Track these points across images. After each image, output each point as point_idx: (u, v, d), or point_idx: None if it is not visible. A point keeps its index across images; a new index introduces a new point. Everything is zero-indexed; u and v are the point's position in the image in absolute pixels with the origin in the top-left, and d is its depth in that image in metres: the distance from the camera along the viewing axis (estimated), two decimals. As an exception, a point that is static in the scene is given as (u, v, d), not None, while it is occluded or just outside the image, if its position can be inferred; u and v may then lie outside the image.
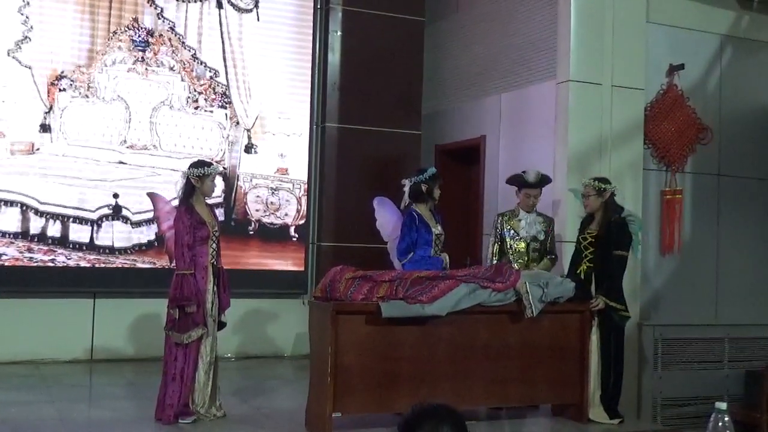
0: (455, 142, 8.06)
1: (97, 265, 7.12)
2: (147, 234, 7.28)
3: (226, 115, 7.67)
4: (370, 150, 7.76)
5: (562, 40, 6.32)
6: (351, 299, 4.66)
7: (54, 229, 7.01)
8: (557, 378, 5.11)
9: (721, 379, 6.56)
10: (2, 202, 6.84)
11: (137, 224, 7.26)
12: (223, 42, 7.69)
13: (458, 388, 4.79)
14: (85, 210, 7.13)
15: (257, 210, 7.72)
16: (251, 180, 7.74)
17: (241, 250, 7.55)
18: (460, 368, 4.84)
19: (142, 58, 7.38)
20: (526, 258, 5.60)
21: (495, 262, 5.55)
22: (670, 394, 6.41)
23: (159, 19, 7.47)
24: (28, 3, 6.98)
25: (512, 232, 5.62)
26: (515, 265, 5.39)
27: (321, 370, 4.63)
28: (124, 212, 7.22)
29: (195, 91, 7.57)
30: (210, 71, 7.63)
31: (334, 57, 7.89)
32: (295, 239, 7.83)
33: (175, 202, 5.20)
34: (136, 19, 7.38)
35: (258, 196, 7.74)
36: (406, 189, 5.44)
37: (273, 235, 7.78)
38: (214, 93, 7.65)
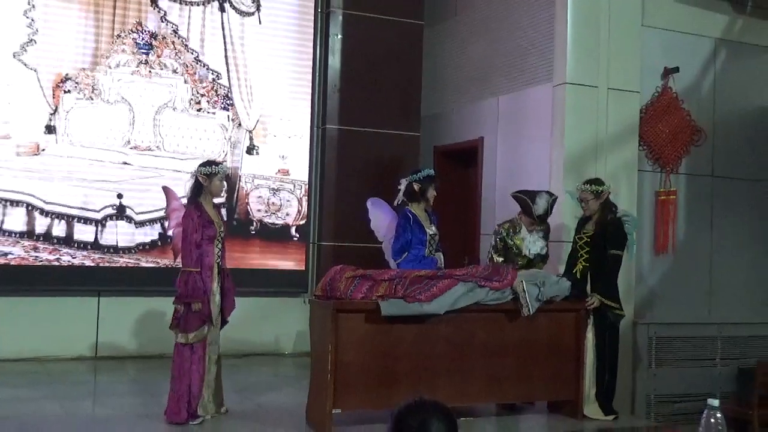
0: (454, 143, 8.07)
1: (101, 264, 7.14)
2: (151, 234, 7.31)
3: (228, 116, 7.68)
4: (370, 151, 7.77)
5: (558, 43, 6.34)
6: (351, 298, 4.68)
7: (59, 229, 7.03)
8: (553, 375, 5.13)
9: (713, 377, 6.58)
10: (8, 202, 6.87)
11: (141, 224, 7.28)
12: (225, 45, 7.71)
13: (456, 384, 4.82)
14: (90, 210, 7.15)
15: (259, 210, 7.74)
16: (253, 180, 7.75)
17: (243, 250, 7.57)
18: (458, 365, 4.87)
19: (146, 60, 7.40)
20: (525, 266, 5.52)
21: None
22: (664, 391, 6.43)
23: (162, 22, 7.48)
24: (33, 6, 7.00)
25: (515, 249, 5.44)
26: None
27: (321, 367, 4.65)
28: (128, 212, 7.24)
29: (197, 93, 7.58)
30: (212, 74, 7.65)
31: (335, 60, 7.90)
32: (295, 239, 7.85)
33: (184, 200, 5.20)
34: (139, 23, 7.40)
35: (259, 197, 7.76)
36: (401, 188, 5.48)
37: (274, 235, 7.80)
38: (217, 95, 7.67)
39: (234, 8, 7.74)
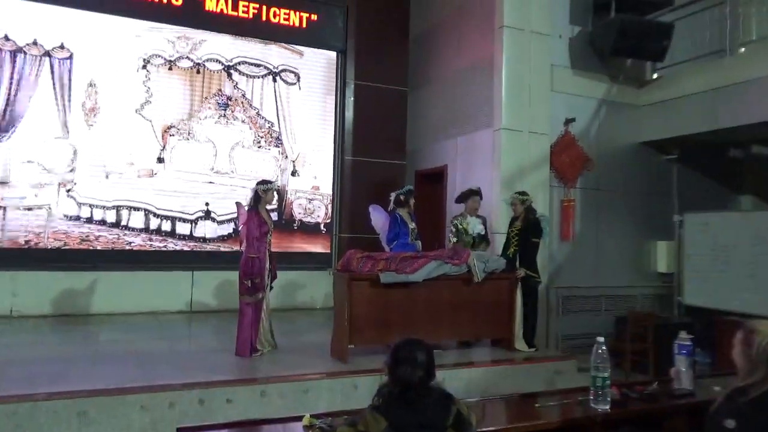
0: (428, 168, 8.00)
1: (194, 249, 7.10)
2: (227, 229, 7.28)
3: (279, 151, 7.65)
4: (373, 174, 7.74)
5: (496, 103, 6.30)
6: (361, 271, 4.64)
7: (166, 226, 7.00)
8: (494, 321, 5.08)
9: (600, 322, 6.54)
10: (132, 209, 6.83)
11: (221, 222, 7.27)
12: (276, 104, 7.69)
13: (430, 328, 4.76)
14: (186, 213, 7.12)
15: (299, 213, 7.72)
16: (295, 194, 7.73)
17: (289, 240, 7.57)
18: (432, 316, 4.82)
19: (224, 114, 7.38)
20: (472, 244, 5.56)
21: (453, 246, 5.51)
22: (568, 332, 6.39)
23: (235, 89, 7.46)
24: (149, 78, 6.97)
25: (464, 230, 5.48)
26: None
27: (341, 317, 4.61)
28: (212, 215, 7.22)
29: (258, 135, 7.56)
30: (268, 123, 7.63)
31: (349, 113, 7.88)
32: (323, 232, 7.83)
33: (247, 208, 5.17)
34: (220, 89, 7.38)
35: (299, 204, 7.75)
36: (392, 198, 5.46)
37: (309, 229, 7.77)
38: (271, 137, 7.64)
39: (282, 80, 7.72)
